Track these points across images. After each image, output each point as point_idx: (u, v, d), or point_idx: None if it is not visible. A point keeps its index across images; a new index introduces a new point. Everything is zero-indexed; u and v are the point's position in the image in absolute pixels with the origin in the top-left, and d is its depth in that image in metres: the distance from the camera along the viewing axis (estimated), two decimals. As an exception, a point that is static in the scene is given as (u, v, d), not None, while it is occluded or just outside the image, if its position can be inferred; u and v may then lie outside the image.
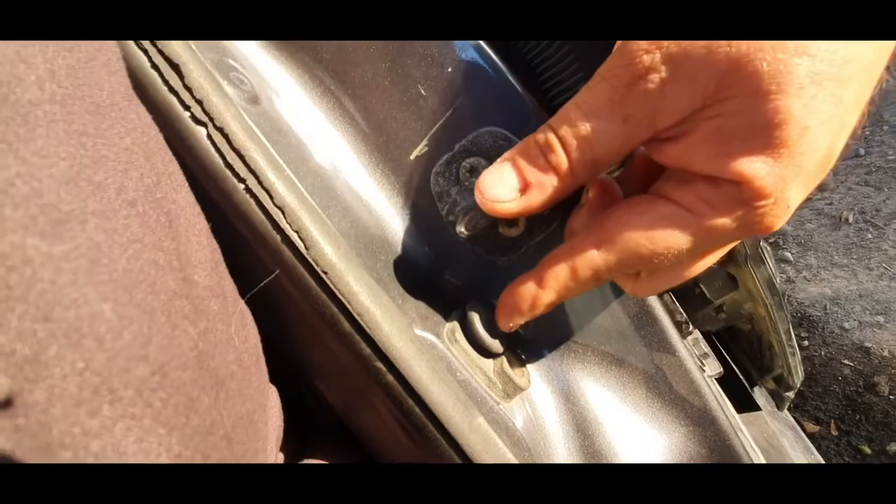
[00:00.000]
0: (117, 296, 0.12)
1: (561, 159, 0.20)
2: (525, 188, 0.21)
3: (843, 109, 0.17)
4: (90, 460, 0.10)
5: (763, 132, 0.17)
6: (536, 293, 0.22)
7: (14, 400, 0.09)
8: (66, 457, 0.10)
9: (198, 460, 0.13)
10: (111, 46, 0.16)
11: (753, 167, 0.17)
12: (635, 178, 0.23)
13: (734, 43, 0.16)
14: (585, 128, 0.19)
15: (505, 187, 0.21)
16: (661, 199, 0.20)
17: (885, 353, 0.91)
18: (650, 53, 0.17)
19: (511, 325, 0.24)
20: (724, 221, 0.19)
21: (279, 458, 0.25)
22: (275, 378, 0.24)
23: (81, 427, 0.10)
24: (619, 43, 0.18)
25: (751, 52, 0.16)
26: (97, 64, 0.15)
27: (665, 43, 0.17)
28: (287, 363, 0.26)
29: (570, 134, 0.20)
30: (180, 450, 0.13)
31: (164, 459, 0.12)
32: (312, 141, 0.25)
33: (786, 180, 0.17)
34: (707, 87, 0.17)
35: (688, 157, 0.18)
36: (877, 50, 0.16)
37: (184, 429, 0.13)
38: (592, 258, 0.21)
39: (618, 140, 0.19)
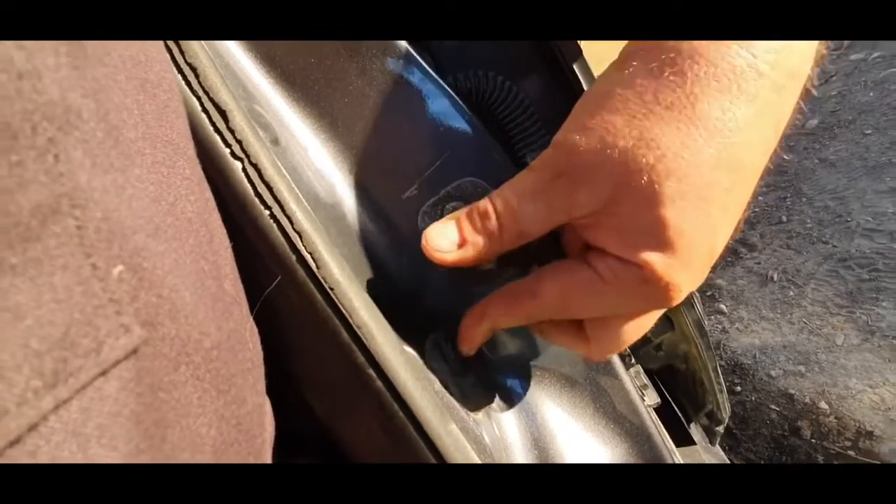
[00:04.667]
0: (191, 286, 0.15)
1: (493, 226, 0.25)
2: (462, 244, 0.26)
3: (711, 218, 0.21)
4: (172, 404, 0.13)
5: (651, 233, 0.22)
6: (478, 323, 0.27)
7: (139, 349, 0.12)
8: (161, 397, 0.13)
9: (233, 424, 0.16)
10: (177, 94, 0.20)
11: (650, 257, 0.22)
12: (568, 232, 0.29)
13: (622, 163, 0.21)
14: (516, 205, 0.24)
15: (446, 240, 0.26)
16: (584, 265, 0.25)
17: (807, 399, 1.01)
18: (563, 161, 0.23)
19: (466, 348, 0.28)
20: (628, 292, 0.23)
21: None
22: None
23: (170, 379, 0.13)
24: (551, 146, 0.24)
25: (633, 172, 0.21)
26: (169, 109, 0.19)
27: (573, 155, 0.22)
28: (275, 380, 0.29)
29: (503, 208, 0.25)
30: (223, 412, 0.16)
31: (213, 418, 0.15)
32: (320, 178, 0.30)
33: (675, 268, 0.22)
34: (605, 193, 0.22)
35: (602, 241, 0.23)
36: (738, 174, 0.21)
37: (226, 396, 0.16)
38: (524, 301, 0.26)
39: (540, 220, 0.24)
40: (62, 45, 0.11)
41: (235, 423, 0.17)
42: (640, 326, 0.27)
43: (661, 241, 0.22)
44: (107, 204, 0.12)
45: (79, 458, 0.10)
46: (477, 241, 0.25)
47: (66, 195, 0.11)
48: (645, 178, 0.21)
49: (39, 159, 0.10)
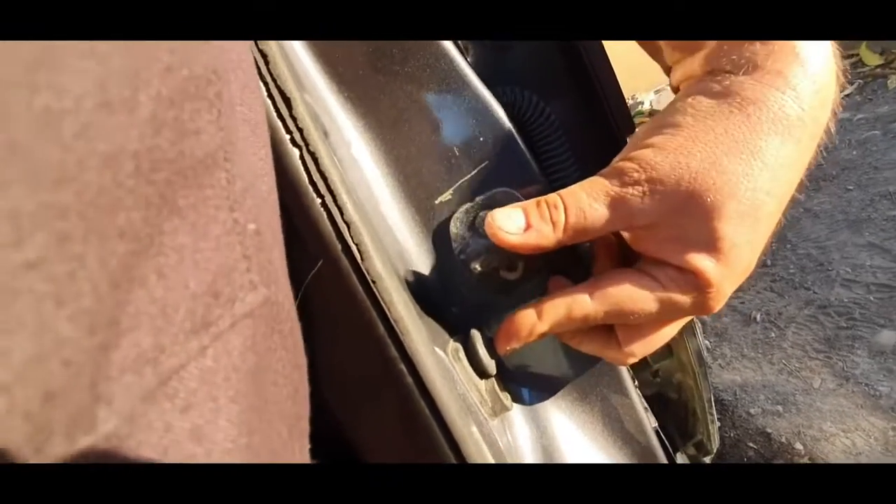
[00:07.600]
0: (280, 252, 0.15)
1: (560, 218, 0.27)
2: (526, 229, 0.27)
3: (757, 236, 0.25)
4: (269, 372, 0.13)
5: (709, 243, 0.25)
6: (535, 323, 0.27)
7: (256, 309, 0.12)
8: (265, 361, 0.13)
9: (300, 402, 0.16)
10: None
11: (705, 264, 0.25)
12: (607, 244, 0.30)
13: (693, 181, 0.24)
14: (585, 203, 0.26)
15: (512, 223, 0.27)
16: (643, 273, 0.27)
17: (783, 439, 1.03)
18: (639, 173, 0.25)
19: (508, 348, 0.28)
20: (683, 297, 0.26)
21: None
22: None
23: (267, 345, 0.13)
24: (625, 158, 0.26)
25: (702, 190, 0.24)
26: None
27: (650, 169, 0.25)
28: None
29: (573, 204, 0.27)
30: (298, 385, 0.16)
31: (290, 391, 0.15)
32: (361, 174, 0.30)
33: (723, 276, 0.25)
34: (672, 206, 0.25)
35: (660, 251, 0.26)
36: (779, 202, 0.25)
37: (300, 371, 0.16)
38: (585, 303, 0.27)
39: (604, 221, 0.26)
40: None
41: (302, 400, 0.17)
42: (669, 332, 0.29)
43: (716, 251, 0.25)
44: (246, 162, 0.12)
45: (209, 408, 0.10)
46: (542, 229, 0.27)
47: (222, 148, 0.11)
48: (711, 196, 0.24)
49: (211, 110, 0.11)
